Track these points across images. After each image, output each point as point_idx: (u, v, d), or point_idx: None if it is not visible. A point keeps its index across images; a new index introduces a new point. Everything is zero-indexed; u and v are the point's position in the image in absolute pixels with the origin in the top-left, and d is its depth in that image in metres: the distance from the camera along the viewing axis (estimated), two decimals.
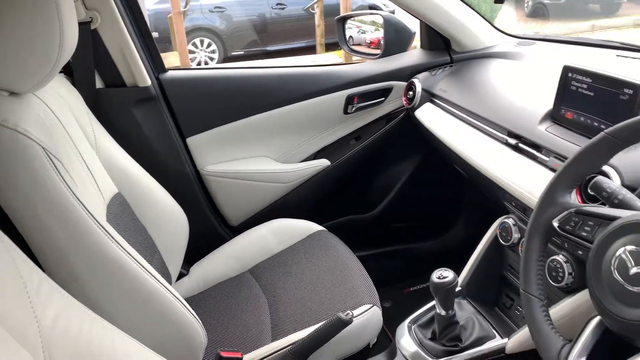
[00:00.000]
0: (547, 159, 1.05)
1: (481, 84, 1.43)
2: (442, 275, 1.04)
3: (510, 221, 1.16)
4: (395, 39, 1.70)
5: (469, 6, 1.60)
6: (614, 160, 0.86)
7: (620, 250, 0.64)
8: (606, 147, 0.75)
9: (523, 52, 1.52)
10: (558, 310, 0.92)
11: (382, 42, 1.74)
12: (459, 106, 1.42)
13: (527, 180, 1.06)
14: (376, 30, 1.89)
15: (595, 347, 0.68)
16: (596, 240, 0.68)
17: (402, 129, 1.69)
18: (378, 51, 1.76)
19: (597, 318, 0.70)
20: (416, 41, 1.77)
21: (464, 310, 1.16)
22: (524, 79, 1.36)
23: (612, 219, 0.69)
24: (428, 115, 1.53)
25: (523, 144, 1.14)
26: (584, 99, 1.04)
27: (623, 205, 0.74)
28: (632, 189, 0.81)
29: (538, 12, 8.17)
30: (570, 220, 0.76)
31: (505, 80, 1.39)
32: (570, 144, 1.01)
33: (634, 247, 0.63)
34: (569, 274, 0.89)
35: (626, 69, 1.21)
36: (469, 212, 1.83)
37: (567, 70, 1.07)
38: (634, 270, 0.62)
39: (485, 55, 1.59)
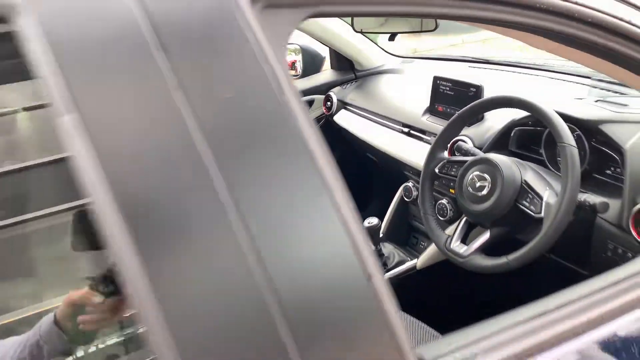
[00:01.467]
0: (429, 139, 1.58)
1: (379, 92, 1.96)
2: (370, 221, 1.52)
3: (410, 184, 1.68)
4: (311, 63, 2.19)
5: (364, 35, 2.13)
6: (469, 132, 1.41)
7: (471, 175, 1.15)
8: (460, 122, 1.28)
9: (405, 68, 2.07)
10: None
11: (296, 65, 2.22)
12: (366, 109, 1.93)
13: (418, 154, 1.58)
14: (289, 55, 2.36)
15: (465, 233, 1.19)
16: (459, 173, 1.19)
17: (323, 133, 2.16)
18: (294, 72, 2.23)
19: (464, 218, 1.21)
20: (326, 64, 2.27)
21: (387, 248, 1.65)
22: (408, 87, 1.90)
23: (466, 161, 1.21)
24: (344, 119, 2.03)
25: (413, 131, 1.67)
26: (448, 97, 1.58)
27: (471, 154, 1.26)
28: (479, 147, 1.34)
29: None
30: (444, 166, 1.27)
31: (396, 89, 1.92)
32: (442, 127, 1.55)
33: (477, 172, 1.14)
34: (450, 210, 1.41)
35: (474, 75, 1.78)
36: (380, 187, 2.35)
37: (436, 79, 1.62)
38: (478, 184, 1.13)
39: (379, 72, 2.12)
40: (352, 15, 1.12)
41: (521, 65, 1.78)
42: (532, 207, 1.04)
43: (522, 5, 0.65)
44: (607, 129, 1.12)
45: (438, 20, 1.40)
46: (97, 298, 0.52)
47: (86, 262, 0.55)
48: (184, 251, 0.41)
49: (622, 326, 0.61)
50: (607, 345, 0.60)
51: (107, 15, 0.42)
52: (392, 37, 1.63)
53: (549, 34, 0.72)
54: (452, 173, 1.24)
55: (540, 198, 1.04)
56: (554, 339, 0.56)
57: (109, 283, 0.52)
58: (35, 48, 0.40)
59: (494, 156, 1.13)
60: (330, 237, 0.46)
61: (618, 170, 1.14)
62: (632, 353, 0.60)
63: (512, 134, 1.34)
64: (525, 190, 1.06)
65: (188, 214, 0.41)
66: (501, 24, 0.69)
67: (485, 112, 1.34)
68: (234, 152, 0.44)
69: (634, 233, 1.02)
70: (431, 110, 1.64)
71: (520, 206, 1.06)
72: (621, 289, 0.64)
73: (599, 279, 0.66)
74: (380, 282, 0.46)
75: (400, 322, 0.46)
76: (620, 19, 0.71)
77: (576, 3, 0.67)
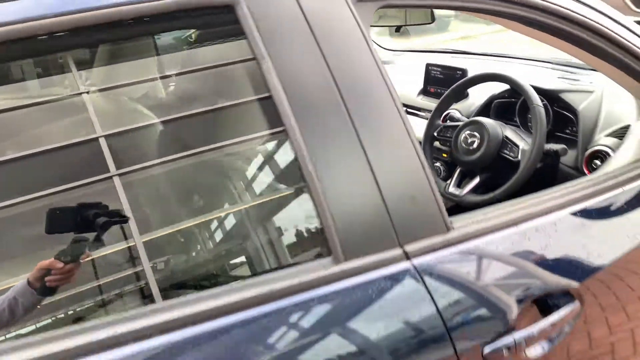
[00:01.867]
0: (424, 114, 1.92)
1: None
2: None
3: None
4: None
5: None
6: (457, 106, 1.75)
7: (464, 134, 1.49)
8: (452, 96, 1.62)
9: (395, 60, 2.41)
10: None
11: None
12: None
13: (416, 128, 1.90)
14: None
15: (460, 181, 1.53)
16: (454, 134, 1.52)
17: None
18: None
19: (458, 169, 1.55)
20: None
21: None
22: (400, 74, 2.23)
23: (458, 125, 1.54)
24: None
25: (409, 109, 2.01)
26: (439, 79, 1.92)
27: (461, 121, 1.60)
28: (467, 117, 1.69)
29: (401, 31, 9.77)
30: (441, 131, 1.60)
31: (390, 76, 2.24)
32: (435, 105, 1.89)
33: (469, 131, 1.48)
34: (443, 170, 1.75)
35: (458, 62, 2.13)
36: None
37: (428, 65, 1.96)
38: (469, 140, 1.46)
39: None
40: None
41: (497, 54, 2.14)
42: (511, 154, 1.39)
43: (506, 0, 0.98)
44: (565, 96, 1.48)
45: (435, 15, 1.74)
46: (60, 264, 0.72)
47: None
48: (325, 152, 0.72)
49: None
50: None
51: (281, 11, 0.74)
52: (398, 29, 1.97)
53: (522, 20, 1.06)
54: (448, 135, 1.58)
55: (517, 147, 1.38)
56: (520, 218, 0.88)
57: (69, 254, 0.78)
58: (249, 25, 0.71)
59: (481, 118, 1.48)
60: (410, 159, 0.78)
61: (574, 129, 1.49)
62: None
63: (492, 106, 1.69)
64: (505, 142, 1.41)
65: (333, 135, 0.73)
66: (488, 12, 1.02)
67: (471, 86, 1.68)
68: (358, 97, 0.76)
69: (585, 171, 1.37)
70: (425, 92, 1.98)
71: (503, 154, 1.41)
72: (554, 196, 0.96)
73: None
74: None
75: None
76: (574, 12, 1.05)
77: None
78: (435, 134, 1.61)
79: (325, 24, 0.76)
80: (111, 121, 0.79)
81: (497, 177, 1.45)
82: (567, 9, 1.01)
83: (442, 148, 1.69)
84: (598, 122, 1.42)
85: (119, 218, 0.72)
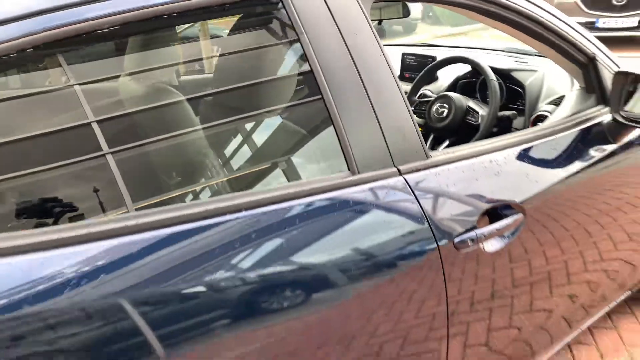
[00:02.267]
0: None
1: None
2: None
3: None
4: None
5: None
6: (429, 87, 2.10)
7: (435, 106, 1.83)
8: (426, 76, 1.97)
9: None
10: None
11: None
12: None
13: None
14: None
15: (433, 145, 1.86)
16: (428, 106, 1.86)
17: None
18: None
19: (432, 135, 1.88)
20: None
21: None
22: None
23: (430, 100, 1.88)
24: None
25: None
26: (413, 66, 2.27)
27: (431, 96, 1.95)
28: (436, 94, 2.04)
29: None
30: (417, 105, 1.95)
31: None
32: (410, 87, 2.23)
33: (439, 103, 1.82)
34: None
35: (430, 51, 2.48)
36: None
37: (404, 54, 2.31)
38: (440, 110, 1.81)
39: None
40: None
41: (461, 46, 2.50)
42: (473, 119, 1.74)
43: None
44: (515, 74, 1.84)
45: (410, 9, 2.08)
46: None
47: None
48: (346, 103, 1.04)
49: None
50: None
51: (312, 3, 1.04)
52: (380, 22, 2.30)
53: (492, 15, 1.37)
54: (422, 109, 1.92)
55: (478, 113, 1.73)
56: (479, 152, 1.22)
57: None
58: (294, 15, 1.02)
59: (449, 93, 1.82)
60: (402, 110, 1.09)
61: (523, 101, 1.85)
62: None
63: (457, 85, 2.04)
64: (469, 110, 1.76)
65: (351, 91, 1.04)
66: (467, 7, 1.34)
67: (440, 68, 2.02)
68: (368, 67, 1.07)
69: None
70: (401, 77, 2.33)
71: (467, 120, 1.75)
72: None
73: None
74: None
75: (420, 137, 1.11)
76: (526, 8, 1.38)
77: None
78: (412, 108, 1.95)
79: (342, 14, 1.07)
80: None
81: (462, 139, 1.80)
82: (522, 7, 1.35)
83: (417, 120, 2.04)
84: (541, 94, 1.78)
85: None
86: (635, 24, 7.06)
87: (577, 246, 1.40)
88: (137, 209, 0.86)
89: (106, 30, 0.85)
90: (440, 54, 2.32)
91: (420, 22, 13.86)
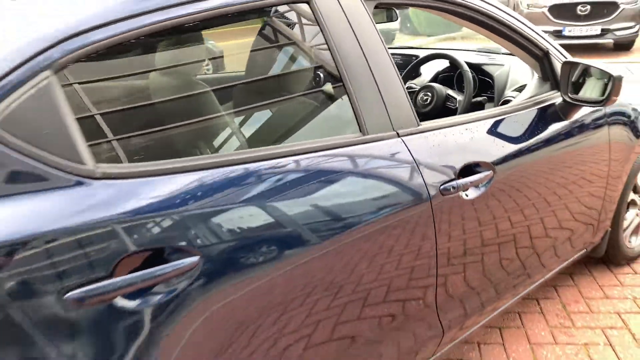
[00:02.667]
0: None
1: None
2: None
3: None
4: None
5: None
6: (414, 81, 2.46)
7: (420, 94, 2.18)
8: (411, 70, 2.32)
9: None
10: None
11: None
12: None
13: None
14: None
15: None
16: (414, 95, 2.21)
17: None
18: None
19: None
20: None
21: None
22: None
23: (415, 90, 2.23)
24: None
25: None
26: (399, 64, 2.62)
27: (416, 88, 2.30)
28: (420, 86, 2.39)
29: None
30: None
31: None
32: None
33: (423, 92, 2.17)
34: None
35: (413, 52, 2.83)
36: None
37: (392, 54, 2.66)
38: (424, 98, 2.15)
39: None
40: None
41: (440, 49, 2.87)
42: (452, 104, 2.09)
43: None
44: (485, 68, 2.21)
45: (397, 13, 2.44)
46: None
47: None
48: (358, 79, 1.37)
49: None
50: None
51: (331, 6, 1.38)
52: None
53: (470, 19, 1.72)
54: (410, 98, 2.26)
55: (455, 99, 2.09)
56: (457, 123, 1.57)
57: None
58: (319, 15, 1.35)
59: (431, 83, 2.18)
60: (398, 89, 1.43)
61: (492, 90, 2.22)
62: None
63: (437, 78, 2.39)
64: (448, 97, 2.11)
65: (361, 71, 1.37)
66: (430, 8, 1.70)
67: (424, 64, 2.37)
68: (373, 57, 1.40)
69: None
70: None
71: (447, 106, 2.11)
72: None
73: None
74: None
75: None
76: (493, 12, 1.74)
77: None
78: None
79: (353, 15, 1.41)
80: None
81: None
82: (490, 11, 1.71)
83: None
84: (507, 83, 2.15)
85: None
86: (598, 32, 7.60)
87: (540, 197, 1.75)
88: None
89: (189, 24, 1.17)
90: (422, 55, 2.68)
91: (399, 33, 14.43)
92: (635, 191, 2.44)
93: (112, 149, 1.09)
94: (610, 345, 2.05)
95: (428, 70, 2.41)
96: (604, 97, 1.73)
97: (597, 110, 1.94)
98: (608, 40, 7.82)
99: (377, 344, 1.42)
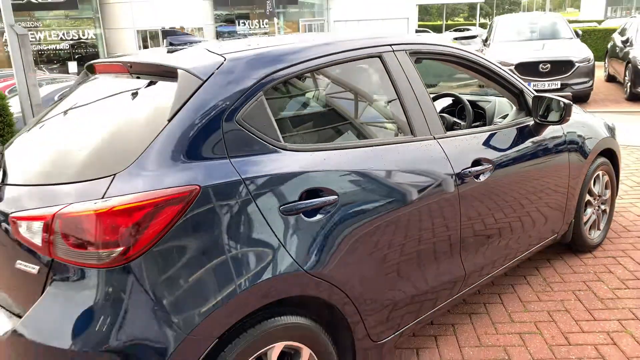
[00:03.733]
0: None
1: None
2: None
3: None
4: None
5: None
6: None
7: None
8: None
9: None
10: None
11: None
12: None
13: None
14: None
15: None
16: None
17: None
18: None
19: None
20: None
21: None
22: None
23: None
24: None
25: None
26: None
27: None
28: None
29: None
30: None
31: None
32: None
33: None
34: None
35: None
36: None
37: None
38: None
39: None
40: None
41: (443, 92, 3.77)
42: (457, 128, 2.94)
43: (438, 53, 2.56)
44: (479, 103, 3.10)
45: None
46: None
47: None
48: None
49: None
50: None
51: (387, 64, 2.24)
52: None
53: (457, 63, 2.62)
54: None
55: (460, 124, 2.95)
56: (467, 133, 2.42)
57: None
58: (387, 66, 2.21)
59: (442, 114, 3.03)
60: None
61: (484, 119, 3.09)
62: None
63: (442, 112, 3.27)
64: (455, 123, 2.96)
65: (410, 103, 2.22)
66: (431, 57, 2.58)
67: (435, 100, 3.24)
68: (418, 89, 2.25)
69: None
70: None
71: (454, 129, 2.96)
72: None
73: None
74: None
75: None
76: (479, 62, 2.63)
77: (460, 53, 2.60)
78: None
79: (406, 65, 2.25)
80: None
81: None
82: (487, 65, 2.61)
83: None
84: (495, 114, 3.02)
85: None
86: (559, 86, 8.78)
87: (524, 186, 2.59)
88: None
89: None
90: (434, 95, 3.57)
91: None
92: (590, 195, 3.29)
93: (293, 135, 1.89)
94: (579, 300, 2.83)
95: (437, 106, 3.29)
96: (560, 119, 2.61)
97: (561, 143, 2.83)
98: (567, 93, 9.01)
99: (435, 268, 2.18)
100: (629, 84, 9.45)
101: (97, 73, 2.14)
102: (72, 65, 19.81)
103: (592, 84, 8.95)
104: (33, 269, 1.49)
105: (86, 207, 1.41)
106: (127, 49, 21.97)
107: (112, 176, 1.48)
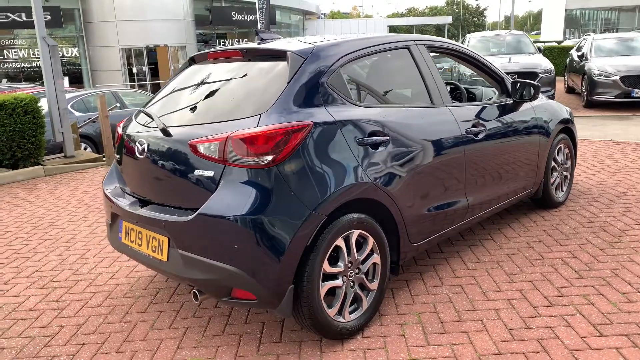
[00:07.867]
0: None
1: None
2: None
3: None
4: None
5: None
6: None
7: None
8: None
9: None
10: None
11: None
12: None
13: None
14: None
15: None
16: None
17: None
18: None
19: None
20: None
21: None
22: None
23: None
24: None
25: None
26: None
27: None
28: None
29: None
30: None
31: None
32: None
33: None
34: None
35: None
36: None
37: None
38: None
39: None
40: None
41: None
42: None
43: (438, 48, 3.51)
44: (470, 90, 4.07)
45: None
46: None
47: None
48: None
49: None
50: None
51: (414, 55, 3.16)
52: None
53: (449, 54, 3.58)
54: None
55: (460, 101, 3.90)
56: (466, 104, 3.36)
57: None
58: (414, 55, 3.14)
59: None
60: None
61: (475, 102, 4.06)
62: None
63: None
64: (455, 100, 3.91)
65: (434, 91, 3.14)
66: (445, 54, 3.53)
67: None
68: (434, 72, 3.19)
69: None
70: None
71: None
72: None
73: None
74: None
75: None
76: (472, 55, 3.58)
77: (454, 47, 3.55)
78: None
79: (425, 54, 3.18)
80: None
81: None
82: (479, 59, 3.57)
83: None
84: (482, 96, 3.99)
85: None
86: None
87: (508, 147, 3.53)
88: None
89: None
90: None
91: None
92: (555, 162, 4.27)
93: (361, 96, 2.81)
94: (541, 242, 3.78)
95: None
96: (531, 96, 3.60)
97: (532, 117, 3.80)
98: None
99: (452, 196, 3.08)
100: (586, 93, 10.72)
101: (209, 59, 2.99)
102: None
103: (554, 92, 10.14)
104: (210, 173, 2.32)
105: (250, 132, 2.26)
106: (112, 66, 22.61)
107: (259, 115, 2.34)
